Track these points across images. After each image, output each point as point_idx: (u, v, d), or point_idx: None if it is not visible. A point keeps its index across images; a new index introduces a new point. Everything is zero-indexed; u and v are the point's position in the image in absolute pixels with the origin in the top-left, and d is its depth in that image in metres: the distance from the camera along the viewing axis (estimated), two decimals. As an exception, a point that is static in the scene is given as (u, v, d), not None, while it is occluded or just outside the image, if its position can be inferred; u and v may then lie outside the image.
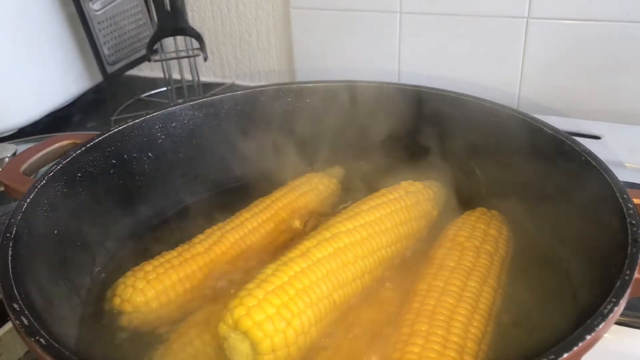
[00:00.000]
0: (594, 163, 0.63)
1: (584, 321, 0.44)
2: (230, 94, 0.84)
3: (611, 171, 0.61)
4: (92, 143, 0.71)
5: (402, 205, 0.72)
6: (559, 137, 0.69)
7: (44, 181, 0.63)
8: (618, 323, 0.65)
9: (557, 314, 0.60)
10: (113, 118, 1.34)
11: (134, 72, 1.43)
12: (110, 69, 1.33)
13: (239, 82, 1.46)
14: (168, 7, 1.15)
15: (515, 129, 0.75)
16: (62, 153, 0.72)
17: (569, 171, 0.67)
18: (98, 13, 1.27)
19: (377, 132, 0.85)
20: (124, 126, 0.75)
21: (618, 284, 0.47)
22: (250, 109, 0.85)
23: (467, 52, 1.14)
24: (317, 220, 0.75)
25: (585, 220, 0.63)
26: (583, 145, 0.66)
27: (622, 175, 0.87)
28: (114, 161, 0.74)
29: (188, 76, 1.31)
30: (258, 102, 0.85)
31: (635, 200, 0.58)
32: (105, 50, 1.31)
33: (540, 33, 1.07)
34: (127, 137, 0.75)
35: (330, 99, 0.87)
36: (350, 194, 0.83)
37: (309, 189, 0.82)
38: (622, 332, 0.66)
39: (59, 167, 0.66)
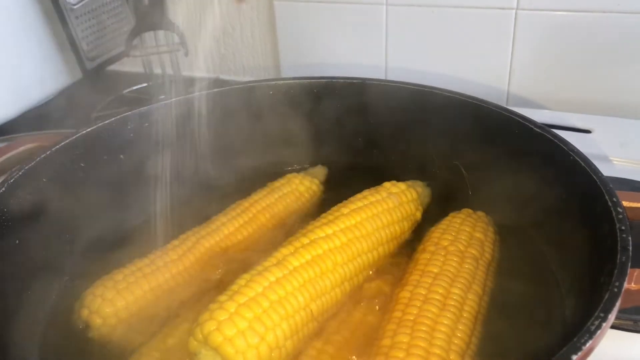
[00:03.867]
0: (583, 164, 0.60)
1: (571, 337, 0.42)
2: (205, 91, 0.80)
3: (600, 172, 0.58)
4: (58, 146, 0.68)
5: (384, 208, 0.69)
6: (547, 135, 0.66)
7: (3, 188, 0.60)
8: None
9: (544, 322, 0.58)
10: (94, 115, 1.30)
11: (116, 67, 1.39)
12: (90, 65, 1.29)
13: (223, 76, 1.42)
14: (146, 1, 1.11)
15: (503, 127, 0.72)
16: (28, 156, 0.68)
17: (556, 171, 0.64)
18: (76, 7, 1.23)
19: (360, 130, 0.82)
20: (92, 128, 0.71)
21: (607, 296, 0.44)
22: (227, 106, 0.82)
23: (454, 45, 1.11)
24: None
25: (573, 223, 0.60)
26: (571, 144, 0.63)
27: (613, 171, 0.85)
28: (82, 164, 0.70)
29: (171, 71, 1.28)
30: (235, 100, 0.82)
31: (625, 203, 0.55)
32: (84, 46, 1.27)
33: (529, 25, 1.05)
34: (97, 139, 0.72)
35: (311, 96, 0.83)
36: (332, 195, 0.80)
37: (289, 190, 0.79)
38: (614, 335, 0.63)
39: (21, 173, 0.62)
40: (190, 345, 0.53)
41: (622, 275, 0.46)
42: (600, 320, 0.42)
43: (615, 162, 0.90)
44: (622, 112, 1.04)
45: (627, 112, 1.04)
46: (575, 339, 0.41)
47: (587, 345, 0.40)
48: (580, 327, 0.42)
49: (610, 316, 0.42)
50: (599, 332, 0.41)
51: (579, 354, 0.40)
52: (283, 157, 0.86)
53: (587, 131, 0.98)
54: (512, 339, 0.57)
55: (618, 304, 0.44)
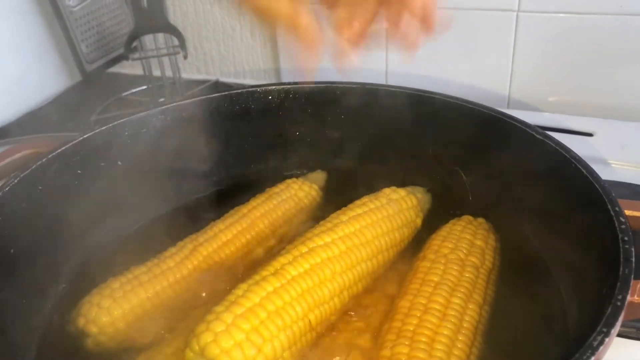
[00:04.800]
0: (585, 171, 0.59)
1: (573, 353, 0.41)
2: (203, 96, 0.80)
3: (602, 180, 0.57)
4: (55, 153, 0.67)
5: (384, 215, 0.68)
6: (548, 142, 0.65)
7: (-3, 197, 0.59)
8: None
9: (546, 334, 0.57)
10: (93, 118, 1.29)
11: (115, 69, 1.38)
12: (89, 67, 1.29)
13: (223, 79, 1.41)
14: (145, 4, 1.11)
15: (504, 133, 0.71)
16: (24, 163, 0.68)
17: (558, 178, 0.63)
18: (75, 9, 1.22)
19: (360, 135, 0.82)
20: (88, 134, 0.70)
21: (609, 310, 0.43)
22: (225, 110, 0.81)
23: (455, 48, 1.10)
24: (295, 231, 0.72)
25: (575, 232, 0.59)
26: (573, 152, 0.62)
27: (615, 175, 0.84)
28: (79, 171, 0.69)
29: (170, 74, 1.27)
30: (234, 104, 0.81)
31: (628, 212, 0.54)
32: (83, 48, 1.26)
33: (531, 27, 1.03)
34: (94, 146, 0.71)
35: (310, 100, 0.83)
36: (331, 200, 0.79)
37: (288, 196, 0.78)
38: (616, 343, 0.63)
39: (16, 181, 0.62)
40: (187, 357, 0.52)
41: (625, 288, 0.45)
42: (602, 335, 0.41)
43: (618, 165, 0.89)
44: (624, 115, 1.03)
45: (630, 114, 1.03)
46: (577, 355, 0.40)
47: (590, 361, 0.40)
48: (583, 342, 0.41)
49: (612, 331, 0.42)
50: (601, 347, 0.40)
51: (581, 371, 0.39)
52: (282, 162, 0.85)
53: (589, 134, 0.98)
54: (512, 351, 0.56)
55: (621, 318, 0.43)
